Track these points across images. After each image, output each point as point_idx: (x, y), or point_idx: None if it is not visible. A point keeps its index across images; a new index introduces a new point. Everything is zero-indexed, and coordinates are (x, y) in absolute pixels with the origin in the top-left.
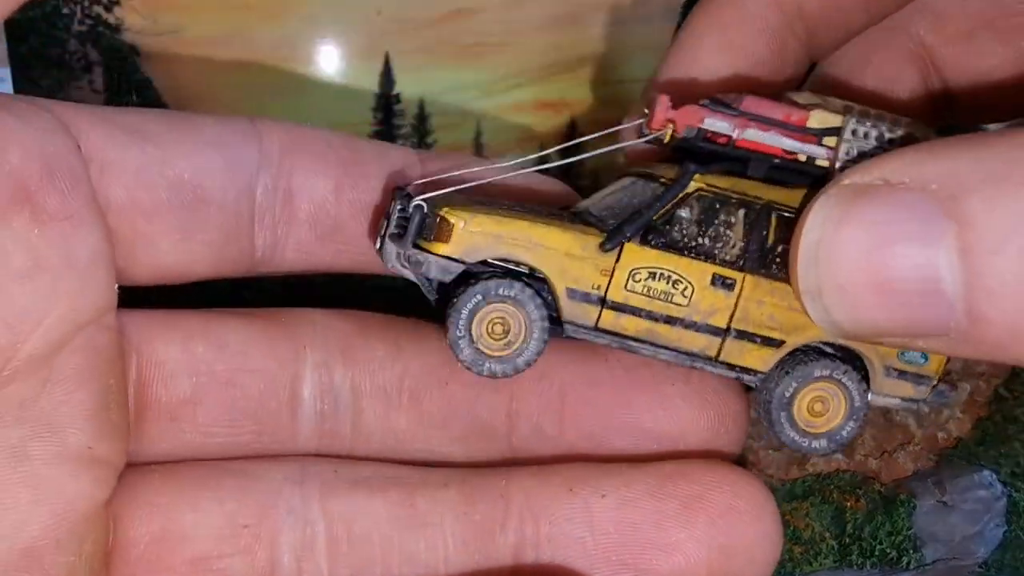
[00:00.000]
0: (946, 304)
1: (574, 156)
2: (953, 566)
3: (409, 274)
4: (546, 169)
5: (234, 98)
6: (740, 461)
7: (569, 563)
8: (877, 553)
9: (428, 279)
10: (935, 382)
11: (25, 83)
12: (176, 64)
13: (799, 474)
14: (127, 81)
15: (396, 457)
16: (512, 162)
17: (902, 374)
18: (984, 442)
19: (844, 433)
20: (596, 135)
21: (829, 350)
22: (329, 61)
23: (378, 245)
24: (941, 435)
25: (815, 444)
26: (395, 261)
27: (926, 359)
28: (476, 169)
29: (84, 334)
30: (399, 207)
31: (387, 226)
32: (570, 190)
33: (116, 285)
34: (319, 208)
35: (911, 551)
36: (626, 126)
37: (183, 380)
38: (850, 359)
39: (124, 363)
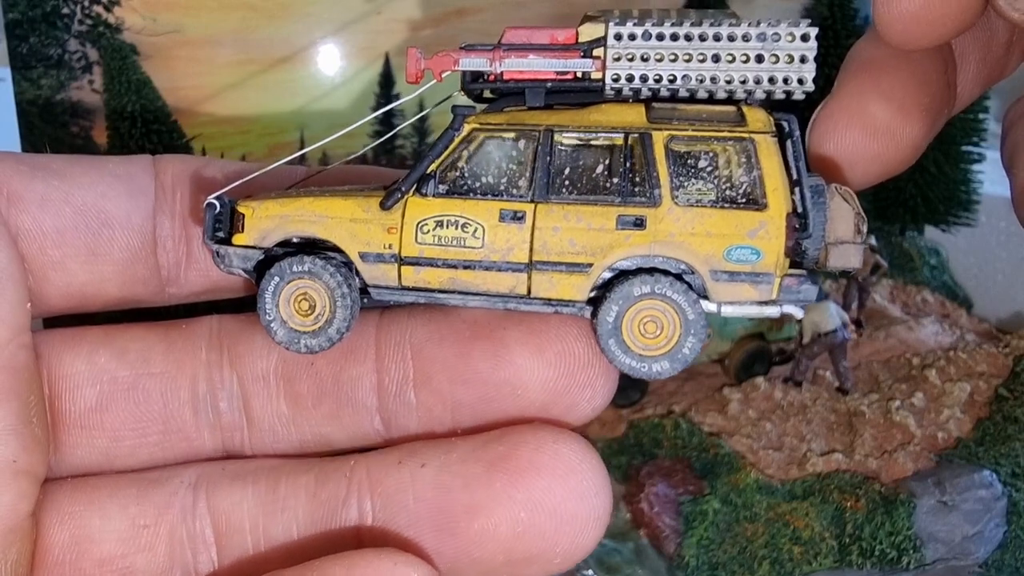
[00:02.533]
0: None
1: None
2: (953, 566)
3: (233, 271)
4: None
5: (234, 98)
6: (739, 460)
7: (399, 531)
8: (877, 553)
9: (243, 271)
10: (777, 278)
11: (25, 83)
12: (176, 64)
13: (799, 474)
14: (127, 81)
15: (288, 442)
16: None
17: (733, 275)
18: (984, 442)
19: (685, 350)
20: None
21: (648, 266)
22: (329, 61)
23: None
24: (941, 435)
25: (656, 368)
26: (221, 264)
27: (758, 255)
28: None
29: (3, 353)
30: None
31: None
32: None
33: (29, 304)
34: None
35: (911, 551)
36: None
37: (88, 390)
38: (676, 273)
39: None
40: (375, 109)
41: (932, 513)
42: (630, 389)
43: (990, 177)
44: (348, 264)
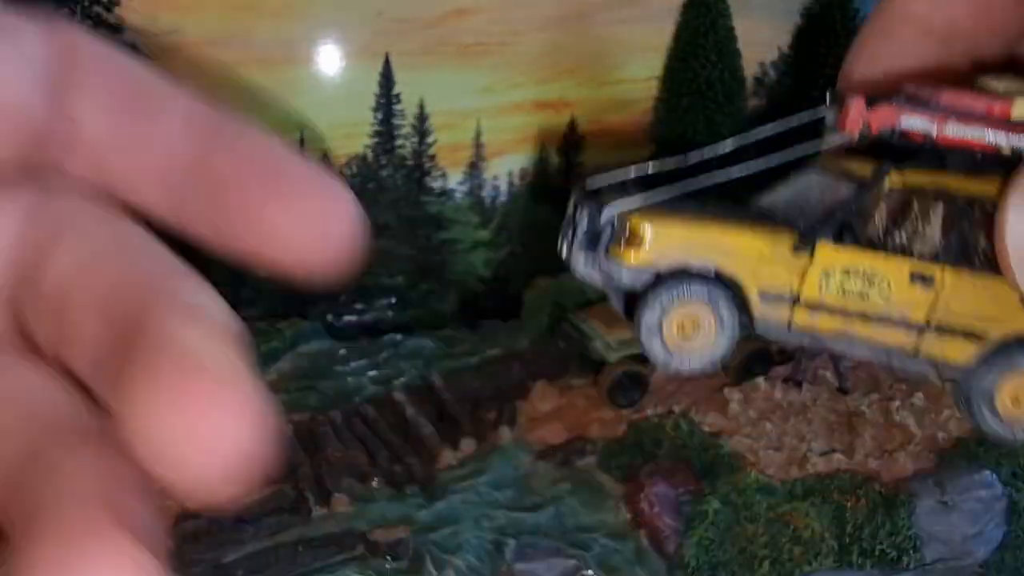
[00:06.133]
0: None
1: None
2: (953, 566)
3: (598, 280)
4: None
5: (234, 98)
6: (739, 460)
7: None
8: (877, 553)
9: (620, 288)
10: None
11: None
12: (176, 64)
13: (799, 474)
14: None
15: None
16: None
17: None
18: (984, 442)
19: None
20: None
21: None
22: (329, 61)
23: (564, 251)
24: (941, 435)
25: (1019, 432)
26: (584, 269)
27: None
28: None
29: None
30: (587, 213)
31: (573, 231)
32: None
33: None
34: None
35: (911, 551)
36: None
37: None
38: None
39: None
40: (375, 109)
41: (932, 513)
42: (630, 389)
43: None
44: (735, 294)
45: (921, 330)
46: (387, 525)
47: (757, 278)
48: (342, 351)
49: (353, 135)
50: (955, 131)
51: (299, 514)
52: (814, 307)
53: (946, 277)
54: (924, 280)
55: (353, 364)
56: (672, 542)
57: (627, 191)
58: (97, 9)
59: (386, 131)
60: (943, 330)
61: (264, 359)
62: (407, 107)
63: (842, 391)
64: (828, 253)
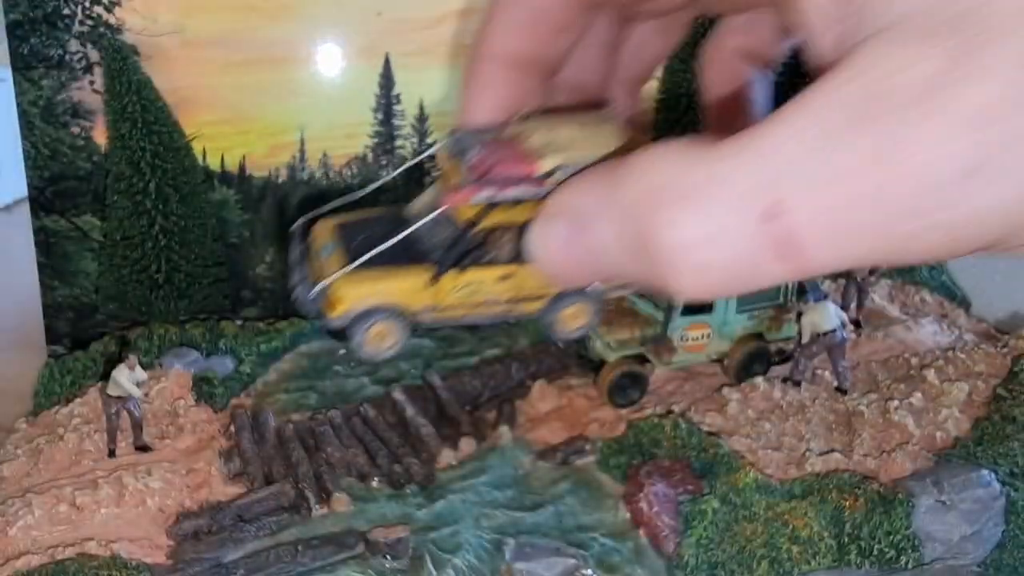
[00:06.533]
0: (600, 269)
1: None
2: (951, 566)
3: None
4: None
5: (234, 98)
6: (738, 460)
7: None
8: (875, 553)
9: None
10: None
11: (26, 83)
12: (176, 64)
13: (798, 474)
14: (127, 81)
15: None
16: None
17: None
18: (982, 442)
19: (585, 328)
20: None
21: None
22: (329, 61)
23: (293, 292)
24: (939, 435)
25: (568, 335)
26: (305, 310)
27: None
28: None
29: None
30: (302, 274)
31: (296, 278)
32: None
33: None
34: None
35: (909, 551)
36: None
37: None
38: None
39: None
40: (375, 109)
41: (930, 513)
42: (630, 389)
43: None
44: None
45: (509, 303)
46: (387, 525)
47: (413, 301)
48: (342, 351)
49: (353, 135)
50: (510, 194)
51: (299, 514)
52: (448, 308)
53: (519, 272)
54: (507, 277)
55: (353, 364)
56: (671, 541)
57: (332, 249)
58: (97, 9)
59: (386, 131)
60: (522, 300)
61: (264, 359)
62: (407, 107)
63: (841, 391)
64: (450, 278)
